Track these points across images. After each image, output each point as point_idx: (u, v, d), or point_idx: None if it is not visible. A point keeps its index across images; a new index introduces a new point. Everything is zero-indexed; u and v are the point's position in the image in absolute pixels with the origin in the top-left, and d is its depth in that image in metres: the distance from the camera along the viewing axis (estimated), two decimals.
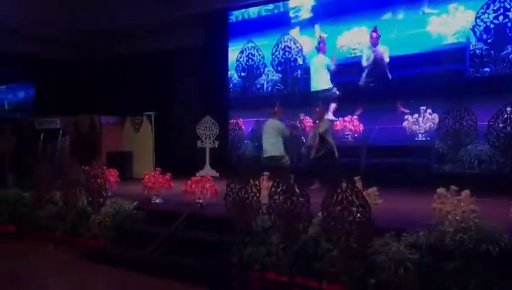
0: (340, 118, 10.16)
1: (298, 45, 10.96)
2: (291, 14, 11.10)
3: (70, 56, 14.80)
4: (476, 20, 8.69)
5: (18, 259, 6.78)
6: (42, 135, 11.45)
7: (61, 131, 11.37)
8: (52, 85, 15.79)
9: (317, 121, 8.96)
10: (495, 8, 8.54)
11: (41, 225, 7.62)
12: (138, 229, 6.62)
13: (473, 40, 8.73)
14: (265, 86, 11.51)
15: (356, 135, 10.01)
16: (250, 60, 11.74)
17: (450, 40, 8.99)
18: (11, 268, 6.29)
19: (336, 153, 8.41)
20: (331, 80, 10.48)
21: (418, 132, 9.23)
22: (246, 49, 11.79)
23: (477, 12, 8.68)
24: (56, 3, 12.69)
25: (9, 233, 8.10)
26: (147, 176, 7.35)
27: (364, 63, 9.99)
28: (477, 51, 8.69)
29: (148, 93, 13.13)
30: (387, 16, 9.72)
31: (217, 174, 10.16)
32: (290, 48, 11.08)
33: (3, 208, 8.37)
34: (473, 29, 8.73)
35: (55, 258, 6.79)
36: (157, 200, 7.23)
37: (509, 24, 8.41)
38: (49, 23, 13.20)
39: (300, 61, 10.94)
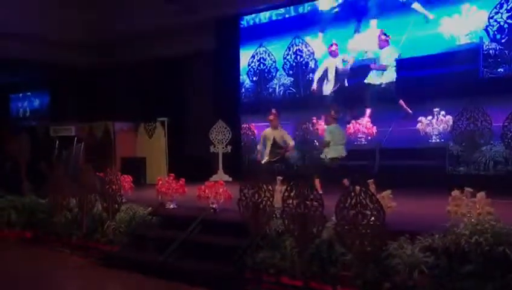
0: (353, 121, 10.12)
1: (310, 48, 10.95)
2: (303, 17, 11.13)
3: (83, 64, 14.96)
4: (489, 20, 8.61)
5: (35, 264, 6.86)
6: (57, 142, 11.58)
7: (75, 138, 11.49)
8: (66, 92, 15.99)
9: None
10: (508, 7, 8.44)
11: (58, 231, 7.71)
12: (153, 234, 6.67)
13: (486, 40, 8.64)
14: (277, 90, 11.52)
15: (369, 138, 9.96)
16: (261, 65, 11.77)
17: (463, 40, 8.91)
18: (28, 273, 6.36)
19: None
20: (344, 83, 10.47)
21: (431, 133, 9.15)
22: (257, 53, 11.82)
23: (490, 12, 8.59)
24: (69, 11, 12.87)
25: (26, 239, 8.22)
26: (160, 182, 7.39)
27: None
28: (490, 51, 8.60)
29: (161, 99, 13.22)
30: (400, 17, 9.69)
31: (230, 179, 10.19)
32: (301, 51, 11.08)
33: (20, 215, 8.51)
34: (486, 30, 8.64)
35: (71, 263, 6.86)
36: (171, 206, 7.27)
37: None
38: (62, 31, 13.38)
39: (312, 64, 10.93)
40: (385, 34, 9.77)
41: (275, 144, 8.73)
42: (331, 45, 10.57)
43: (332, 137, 8.05)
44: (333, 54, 10.57)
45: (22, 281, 5.98)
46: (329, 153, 8.02)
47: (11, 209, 8.58)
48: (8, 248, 7.91)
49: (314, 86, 10.83)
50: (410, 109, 9.41)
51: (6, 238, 8.31)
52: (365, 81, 10.06)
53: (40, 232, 8.13)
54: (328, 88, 10.71)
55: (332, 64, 10.63)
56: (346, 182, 7.27)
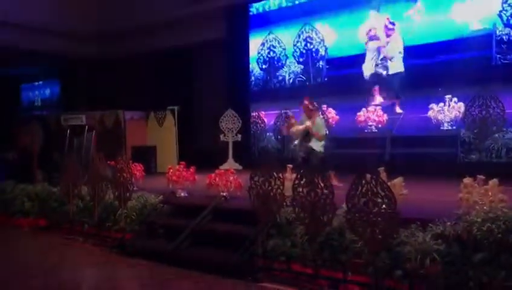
0: (363, 108, 10.05)
1: (320, 35, 10.86)
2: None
3: (94, 53, 15.01)
4: (502, 5, 8.46)
5: (48, 252, 6.95)
6: (68, 131, 11.66)
7: (86, 127, 11.56)
8: (77, 82, 16.06)
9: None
10: None
11: (70, 219, 7.79)
12: (164, 222, 6.71)
13: (500, 26, 8.50)
14: (287, 77, 11.46)
15: (380, 125, 9.89)
16: (271, 52, 11.69)
17: (476, 26, 8.77)
18: (41, 261, 6.46)
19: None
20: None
21: (443, 121, 9.07)
22: (267, 41, 11.74)
23: None
24: (80, 0, 12.90)
25: (39, 227, 8.32)
26: (171, 170, 7.43)
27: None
28: (504, 37, 8.46)
29: (171, 88, 13.24)
30: (411, 4, 9.56)
31: (240, 167, 10.20)
32: (311, 38, 10.99)
33: (33, 203, 8.61)
34: (499, 15, 8.50)
35: (83, 251, 6.93)
36: (182, 194, 7.31)
37: None
38: (73, 21, 13.42)
39: (322, 51, 10.84)
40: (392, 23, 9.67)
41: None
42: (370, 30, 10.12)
43: (320, 129, 7.59)
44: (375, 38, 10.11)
45: (35, 269, 6.06)
46: (316, 146, 7.54)
47: (24, 197, 8.69)
48: (22, 236, 8.01)
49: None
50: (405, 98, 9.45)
51: (20, 226, 8.42)
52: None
53: (53, 220, 8.22)
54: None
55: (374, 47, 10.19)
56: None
